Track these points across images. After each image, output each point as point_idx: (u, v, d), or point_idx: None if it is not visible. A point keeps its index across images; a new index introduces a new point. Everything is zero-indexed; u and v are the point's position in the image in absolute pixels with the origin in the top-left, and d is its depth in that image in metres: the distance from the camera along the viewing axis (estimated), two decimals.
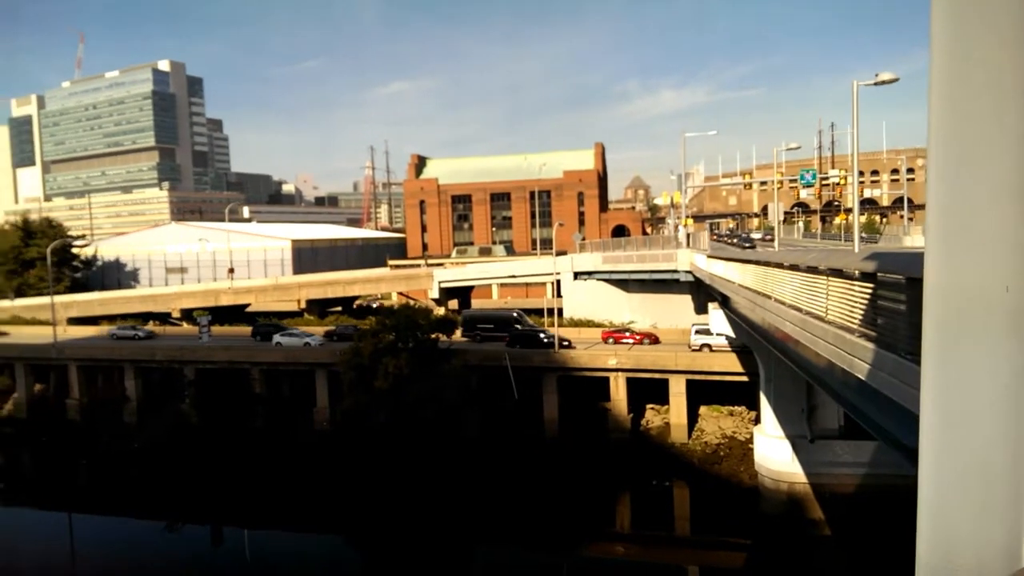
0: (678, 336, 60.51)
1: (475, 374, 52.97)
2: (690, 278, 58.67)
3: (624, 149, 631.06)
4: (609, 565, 39.62)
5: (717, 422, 52.10)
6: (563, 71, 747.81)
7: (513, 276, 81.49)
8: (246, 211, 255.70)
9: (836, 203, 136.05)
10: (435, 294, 78.19)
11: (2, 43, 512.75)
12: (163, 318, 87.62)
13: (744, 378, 48.99)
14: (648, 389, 53.33)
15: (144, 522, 47.65)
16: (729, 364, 49.94)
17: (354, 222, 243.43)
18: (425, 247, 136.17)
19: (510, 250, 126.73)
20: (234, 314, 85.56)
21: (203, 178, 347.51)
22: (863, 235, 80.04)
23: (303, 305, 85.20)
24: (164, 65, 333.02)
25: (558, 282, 70.79)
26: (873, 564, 33.60)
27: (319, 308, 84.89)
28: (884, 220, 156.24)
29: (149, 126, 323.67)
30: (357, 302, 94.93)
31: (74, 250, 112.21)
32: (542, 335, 58.68)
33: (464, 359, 53.56)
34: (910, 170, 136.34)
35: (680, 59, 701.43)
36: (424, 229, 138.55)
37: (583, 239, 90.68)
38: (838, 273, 16.49)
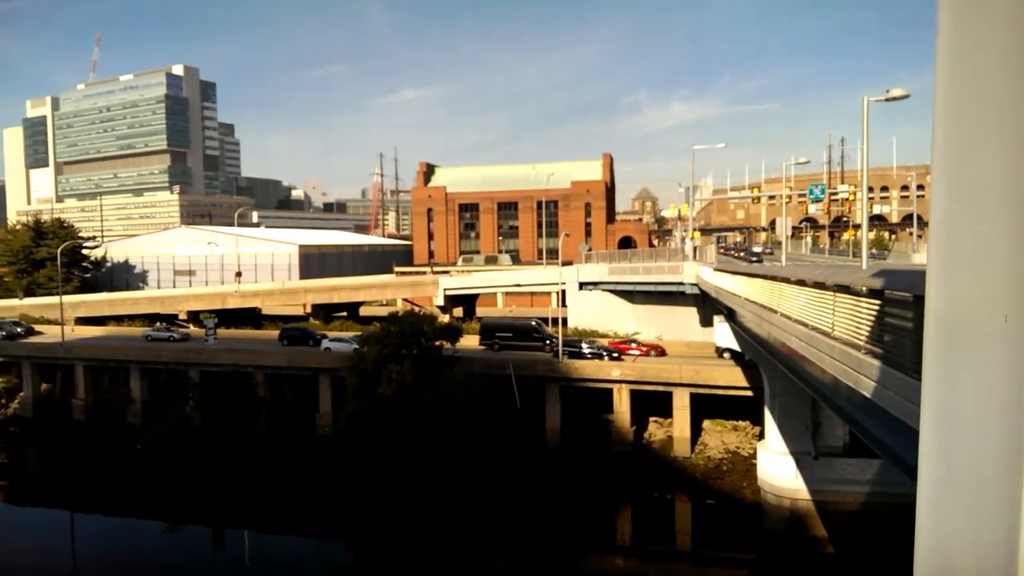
0: (683, 348, 60.36)
1: (478, 382, 52.89)
2: (696, 291, 58.54)
3: (632, 160, 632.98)
4: None
5: (721, 436, 51.84)
6: (574, 81, 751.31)
7: (518, 285, 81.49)
8: (255, 216, 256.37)
9: (845, 219, 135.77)
10: (440, 301, 78.28)
11: (18, 45, 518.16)
12: (170, 320, 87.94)
13: (748, 393, 48.75)
14: (652, 401, 53.14)
15: (145, 522, 47.66)
16: (734, 378, 49.73)
17: (362, 228, 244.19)
18: (431, 255, 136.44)
19: (516, 259, 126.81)
20: (241, 317, 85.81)
21: (213, 182, 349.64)
22: (872, 251, 79.93)
23: (309, 309, 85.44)
24: (178, 69, 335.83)
25: (563, 292, 70.77)
26: None
27: (324, 313, 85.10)
28: (893, 237, 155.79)
29: (161, 129, 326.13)
30: (363, 308, 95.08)
31: (84, 251, 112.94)
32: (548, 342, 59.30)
33: (468, 367, 53.52)
34: (920, 187, 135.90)
35: (691, 72, 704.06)
36: (431, 237, 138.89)
37: (589, 250, 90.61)
38: (845, 289, 16.42)
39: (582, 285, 70.49)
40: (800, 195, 79.60)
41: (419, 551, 41.27)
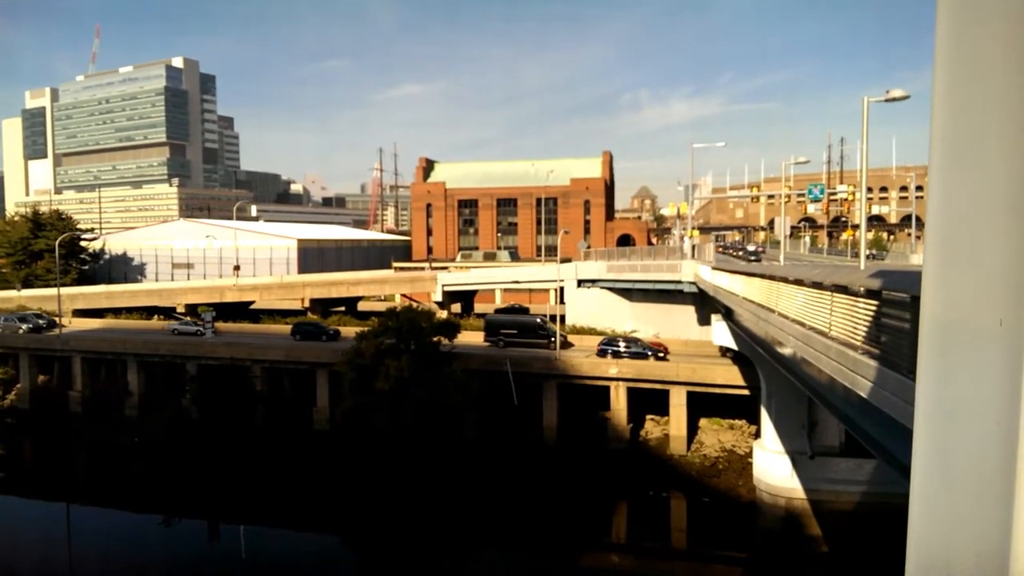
0: (680, 347, 60.35)
1: (476, 378, 52.91)
2: (694, 289, 58.55)
3: (632, 158, 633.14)
4: (603, 574, 39.47)
5: (717, 435, 51.92)
6: (574, 79, 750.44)
7: (517, 282, 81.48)
8: (254, 210, 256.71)
9: (843, 219, 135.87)
10: (438, 297, 78.26)
11: (18, 36, 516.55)
12: (167, 313, 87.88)
13: (745, 391, 48.82)
14: (648, 399, 53.19)
15: (141, 515, 47.71)
16: (731, 377, 49.80)
17: (360, 223, 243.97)
18: (430, 250, 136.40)
19: (515, 256, 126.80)
20: (238, 311, 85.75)
21: (212, 175, 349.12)
22: (870, 252, 79.95)
23: (307, 304, 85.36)
24: (178, 62, 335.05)
25: (561, 289, 70.78)
26: None
27: (322, 308, 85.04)
28: (891, 237, 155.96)
29: (161, 122, 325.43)
30: (360, 303, 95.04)
31: (82, 243, 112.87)
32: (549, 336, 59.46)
33: (466, 363, 53.54)
34: (919, 188, 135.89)
35: (692, 70, 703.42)
36: (430, 232, 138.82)
37: (588, 247, 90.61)
38: (843, 289, 16.44)
39: (580, 282, 70.50)
40: (799, 195, 79.61)
41: (416, 547, 41.34)
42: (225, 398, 59.27)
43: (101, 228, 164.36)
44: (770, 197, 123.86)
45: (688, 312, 63.53)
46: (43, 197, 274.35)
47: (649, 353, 54.89)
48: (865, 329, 14.51)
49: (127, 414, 63.65)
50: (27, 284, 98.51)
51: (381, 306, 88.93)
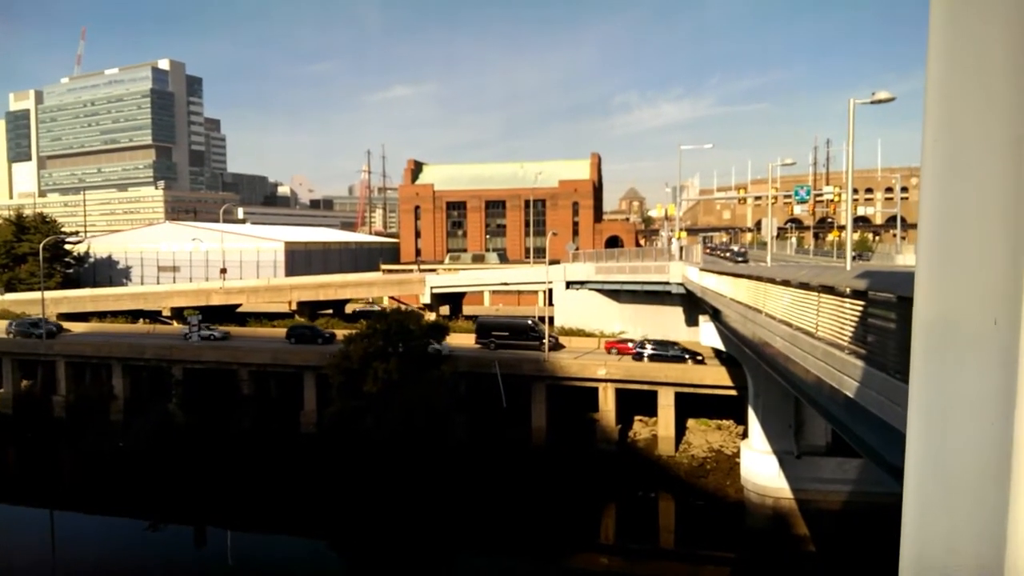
0: None
1: (464, 380, 52.83)
2: (682, 290, 58.73)
3: (620, 160, 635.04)
4: None
5: (705, 435, 52.07)
6: (563, 80, 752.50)
7: (505, 284, 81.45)
8: (241, 212, 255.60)
9: (829, 220, 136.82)
10: (427, 299, 78.13)
11: (2, 38, 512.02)
12: (153, 316, 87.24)
13: (733, 392, 49.01)
14: (637, 400, 53.28)
15: (126, 521, 47.26)
16: (719, 377, 49.98)
17: (348, 226, 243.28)
18: (418, 252, 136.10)
19: (503, 258, 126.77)
20: (224, 314, 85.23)
21: (199, 178, 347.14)
22: (856, 253, 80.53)
23: (294, 307, 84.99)
24: (164, 64, 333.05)
25: (550, 291, 70.82)
26: None
27: (310, 310, 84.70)
28: (877, 238, 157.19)
29: (147, 124, 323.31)
30: (349, 306, 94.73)
31: (67, 246, 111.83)
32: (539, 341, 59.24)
33: (455, 365, 53.45)
34: (904, 189, 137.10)
35: (680, 72, 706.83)
36: (418, 234, 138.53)
37: (577, 249, 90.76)
38: (829, 290, 16.50)
39: (569, 284, 70.57)
40: (786, 196, 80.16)
41: (404, 550, 41.17)
42: (212, 402, 58.87)
43: (86, 231, 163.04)
44: (757, 198, 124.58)
45: (676, 313, 63.71)
46: (27, 200, 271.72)
47: (687, 356, 54.44)
48: (852, 329, 14.56)
49: (112, 419, 63.06)
50: (10, 288, 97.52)
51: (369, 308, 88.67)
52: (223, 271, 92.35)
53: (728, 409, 51.01)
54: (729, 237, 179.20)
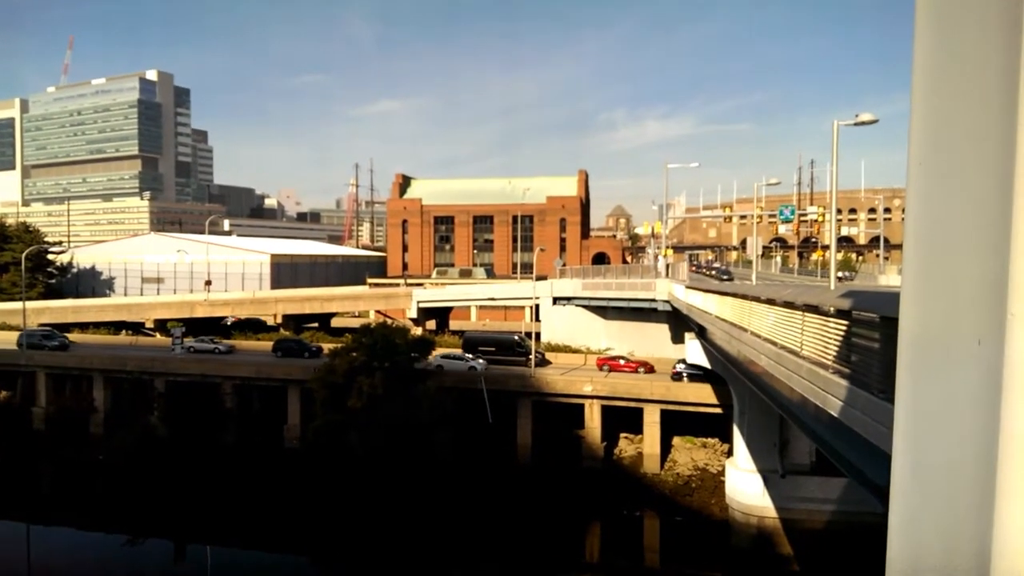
0: (654, 365, 60.59)
1: (450, 396, 52.63)
2: (668, 308, 58.94)
3: (607, 177, 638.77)
4: None
5: (690, 453, 52.08)
6: (551, 98, 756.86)
7: (492, 299, 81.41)
8: (227, 224, 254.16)
9: (814, 239, 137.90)
10: (413, 314, 77.90)
11: None
12: (136, 328, 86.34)
13: (718, 410, 49.10)
14: (623, 417, 53.25)
15: (105, 535, 46.56)
16: (704, 395, 50.07)
17: (335, 239, 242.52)
18: (406, 267, 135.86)
19: (491, 273, 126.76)
20: (209, 327, 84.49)
21: (185, 189, 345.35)
22: (840, 273, 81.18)
23: (279, 320, 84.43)
24: (152, 75, 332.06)
25: (537, 306, 70.84)
26: None
27: (295, 324, 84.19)
28: (860, 258, 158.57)
29: (133, 134, 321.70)
30: (334, 320, 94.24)
31: (50, 256, 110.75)
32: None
33: (440, 380, 53.24)
34: (887, 210, 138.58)
35: (667, 91, 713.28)
36: (405, 249, 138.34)
37: (564, 265, 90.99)
38: (814, 309, 16.61)
39: (556, 300, 70.64)
40: (771, 215, 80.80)
41: (387, 567, 40.78)
42: (194, 415, 58.15)
43: (70, 241, 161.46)
44: (742, 217, 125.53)
45: (662, 330, 63.90)
46: (10, 209, 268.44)
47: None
48: (836, 348, 14.65)
49: (93, 431, 62.21)
50: None
51: (355, 322, 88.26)
52: (208, 283, 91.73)
53: (713, 427, 51.07)
54: (715, 255, 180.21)
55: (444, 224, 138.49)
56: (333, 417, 50.39)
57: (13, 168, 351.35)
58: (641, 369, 58.04)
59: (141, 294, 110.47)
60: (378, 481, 47.14)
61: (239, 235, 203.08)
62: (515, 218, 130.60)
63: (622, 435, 54.35)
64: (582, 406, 53.13)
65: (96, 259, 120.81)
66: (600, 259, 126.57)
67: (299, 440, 56.42)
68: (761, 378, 24.83)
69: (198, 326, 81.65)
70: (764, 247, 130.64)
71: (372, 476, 47.43)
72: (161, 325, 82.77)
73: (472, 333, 68.26)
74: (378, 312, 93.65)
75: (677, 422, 51.94)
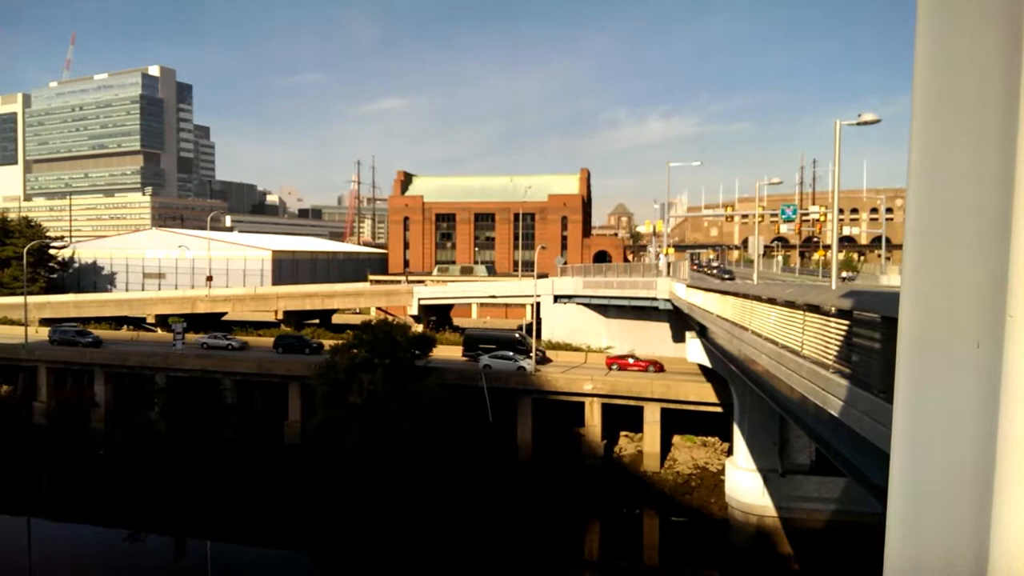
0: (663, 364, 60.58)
1: (451, 393, 52.64)
2: (669, 306, 58.92)
3: (609, 175, 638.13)
4: None
5: (690, 452, 52.10)
6: (552, 96, 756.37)
7: (493, 296, 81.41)
8: (228, 220, 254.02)
9: (815, 239, 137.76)
10: (414, 311, 77.92)
11: None
12: (137, 323, 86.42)
13: (718, 409, 49.10)
14: (623, 416, 53.26)
15: (106, 530, 46.62)
16: (704, 394, 50.06)
17: (337, 236, 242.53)
18: (407, 264, 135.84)
19: (492, 271, 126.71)
20: (210, 322, 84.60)
21: (187, 185, 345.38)
22: (845, 273, 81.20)
23: (280, 316, 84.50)
24: (154, 70, 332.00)
25: (538, 304, 70.85)
26: None
27: (296, 320, 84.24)
28: (862, 258, 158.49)
29: (135, 130, 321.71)
30: (335, 316, 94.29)
31: (51, 251, 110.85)
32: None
33: (441, 377, 53.26)
34: (889, 209, 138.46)
35: (670, 90, 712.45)
36: (407, 246, 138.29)
37: (565, 263, 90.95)
38: (815, 309, 16.60)
39: (557, 298, 70.63)
40: (772, 215, 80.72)
41: (388, 563, 40.83)
42: (195, 411, 58.27)
43: (71, 236, 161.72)
44: (744, 217, 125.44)
45: (663, 329, 63.89)
46: (12, 204, 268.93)
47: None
48: (837, 348, 14.65)
49: (93, 426, 62.32)
50: None
51: (356, 319, 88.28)
52: (209, 279, 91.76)
53: (714, 426, 51.08)
54: (716, 254, 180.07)
55: (446, 221, 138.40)
56: (334, 413, 50.44)
57: (15, 163, 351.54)
58: (651, 368, 57.87)
59: (142, 289, 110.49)
60: (378, 477, 47.20)
61: (240, 231, 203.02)
62: (517, 216, 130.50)
63: (622, 433, 54.37)
64: (582, 404, 53.15)
65: (97, 254, 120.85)
66: (601, 257, 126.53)
67: (299, 436, 56.51)
68: (762, 377, 24.84)
69: (199, 321, 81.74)
70: (766, 246, 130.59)
71: (372, 472, 47.49)
72: (162, 320, 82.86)
73: (473, 330, 68.28)
74: (379, 309, 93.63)
75: (677, 421, 51.95)
